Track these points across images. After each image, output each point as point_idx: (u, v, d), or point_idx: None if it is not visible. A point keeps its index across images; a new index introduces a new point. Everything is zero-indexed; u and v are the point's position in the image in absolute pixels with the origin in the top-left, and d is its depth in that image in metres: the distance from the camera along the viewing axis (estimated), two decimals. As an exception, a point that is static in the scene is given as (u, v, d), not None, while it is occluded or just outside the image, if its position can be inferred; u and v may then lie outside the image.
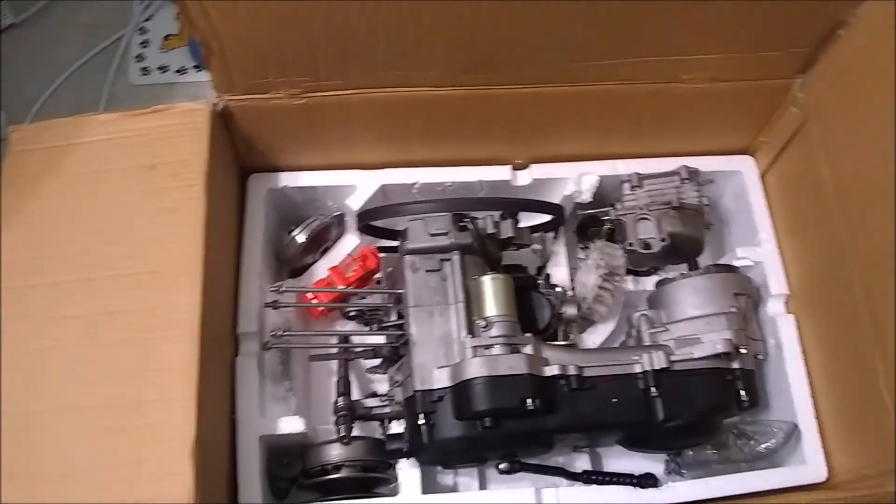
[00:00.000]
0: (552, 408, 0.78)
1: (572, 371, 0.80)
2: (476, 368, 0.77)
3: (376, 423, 0.87)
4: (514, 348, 0.79)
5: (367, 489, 0.86)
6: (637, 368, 0.82)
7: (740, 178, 0.97)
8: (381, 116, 0.85)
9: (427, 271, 0.83)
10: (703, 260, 0.96)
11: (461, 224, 0.83)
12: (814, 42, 0.81)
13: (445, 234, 0.83)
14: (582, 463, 0.90)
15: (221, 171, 0.83)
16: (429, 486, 0.88)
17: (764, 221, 0.95)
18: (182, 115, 0.79)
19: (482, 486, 0.90)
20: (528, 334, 0.80)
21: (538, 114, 0.88)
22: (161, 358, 0.70)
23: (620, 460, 0.91)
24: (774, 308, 0.92)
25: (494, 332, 0.79)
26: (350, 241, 0.95)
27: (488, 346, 0.78)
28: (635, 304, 0.94)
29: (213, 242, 0.76)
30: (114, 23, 1.20)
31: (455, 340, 0.80)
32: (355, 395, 0.89)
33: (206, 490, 0.69)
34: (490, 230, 0.85)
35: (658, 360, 0.81)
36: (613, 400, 0.81)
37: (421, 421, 0.78)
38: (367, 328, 0.91)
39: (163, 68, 1.21)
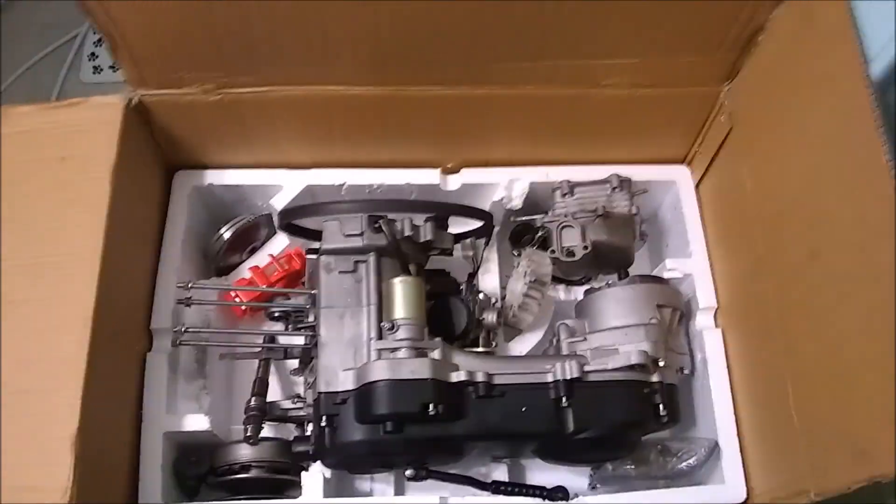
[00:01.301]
0: (458, 414, 0.77)
1: (480, 378, 0.78)
2: (378, 372, 0.75)
3: (293, 426, 0.87)
4: (419, 352, 0.77)
5: (277, 491, 0.85)
6: (549, 378, 0.80)
7: (675, 188, 0.96)
8: (299, 115, 0.85)
9: (341, 272, 0.82)
10: (641, 271, 0.95)
11: (375, 225, 0.82)
12: (735, 48, 0.79)
13: (360, 235, 0.82)
14: (500, 474, 0.88)
15: (138, 166, 0.83)
16: (344, 490, 0.88)
17: (696, 233, 0.93)
18: (96, 109, 0.79)
19: (398, 492, 0.89)
20: (437, 339, 0.79)
21: (460, 116, 0.87)
22: (53, 348, 0.70)
23: (545, 473, 0.89)
24: (702, 322, 0.90)
25: (400, 335, 0.78)
26: (280, 242, 0.95)
27: (394, 350, 0.78)
28: (566, 314, 0.93)
29: (120, 236, 0.76)
30: (70, 22, 1.22)
31: (364, 343, 0.79)
32: (277, 396, 0.89)
33: (94, 482, 0.69)
34: (407, 233, 0.84)
35: (570, 370, 0.79)
36: (522, 409, 0.79)
37: (323, 423, 0.77)
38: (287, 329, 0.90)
39: (114, 67, 1.21)
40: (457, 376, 0.78)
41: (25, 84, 1.16)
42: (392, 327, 0.78)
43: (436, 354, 0.78)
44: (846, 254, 0.64)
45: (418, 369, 0.76)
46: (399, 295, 0.79)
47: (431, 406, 0.74)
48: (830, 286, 0.66)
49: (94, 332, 0.70)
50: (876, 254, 0.59)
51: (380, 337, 0.78)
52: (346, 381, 0.77)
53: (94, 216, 0.74)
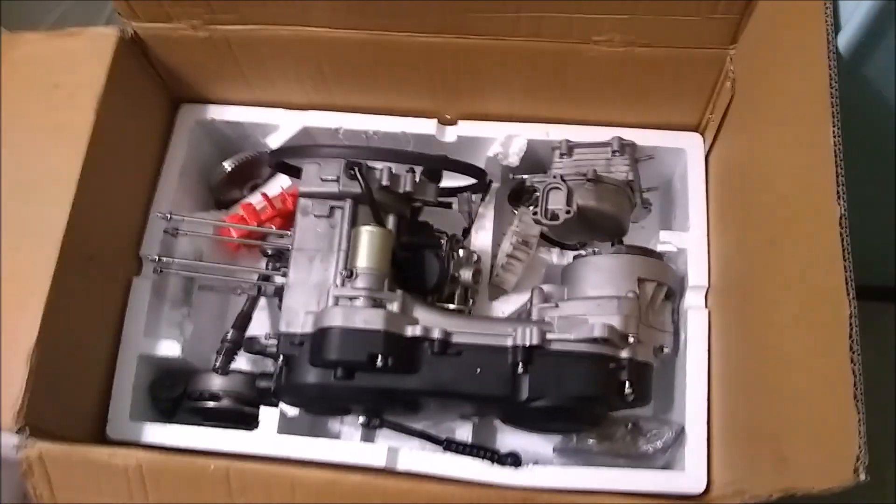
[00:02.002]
0: (410, 368, 0.77)
1: (437, 335, 0.77)
2: (333, 318, 0.76)
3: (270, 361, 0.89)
4: (377, 303, 0.77)
5: (245, 422, 0.87)
6: (508, 342, 0.78)
7: (684, 156, 0.90)
8: (287, 55, 0.85)
9: (316, 216, 0.83)
10: (648, 242, 0.90)
11: (351, 171, 0.82)
12: (735, 9, 0.72)
13: (336, 180, 0.82)
14: (465, 433, 0.87)
15: (133, 97, 0.86)
16: (314, 429, 0.90)
17: (697, 206, 0.87)
18: (91, 39, 0.82)
19: (366, 439, 0.90)
20: (398, 291, 0.79)
21: (450, 66, 0.84)
22: (22, 265, 0.74)
23: (515, 437, 0.88)
24: (691, 300, 0.85)
25: (359, 283, 0.78)
26: (281, 182, 0.96)
27: (353, 298, 0.78)
28: (557, 278, 0.90)
29: (105, 163, 0.80)
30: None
31: (329, 289, 0.80)
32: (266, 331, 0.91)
33: (55, 395, 0.74)
34: (385, 182, 0.83)
35: (531, 337, 0.77)
36: (477, 370, 0.78)
37: (280, 362, 0.79)
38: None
39: None
40: (412, 330, 0.77)
41: (80, 12, 1.21)
42: (352, 275, 0.78)
43: (393, 307, 0.77)
44: (795, 243, 0.58)
45: (371, 319, 0.76)
46: (363, 244, 0.79)
47: (380, 357, 0.74)
48: (779, 275, 0.61)
49: (62, 252, 0.74)
50: (819, 250, 0.54)
51: (341, 284, 0.79)
52: (305, 324, 0.78)
53: (77, 142, 0.77)
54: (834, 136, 0.52)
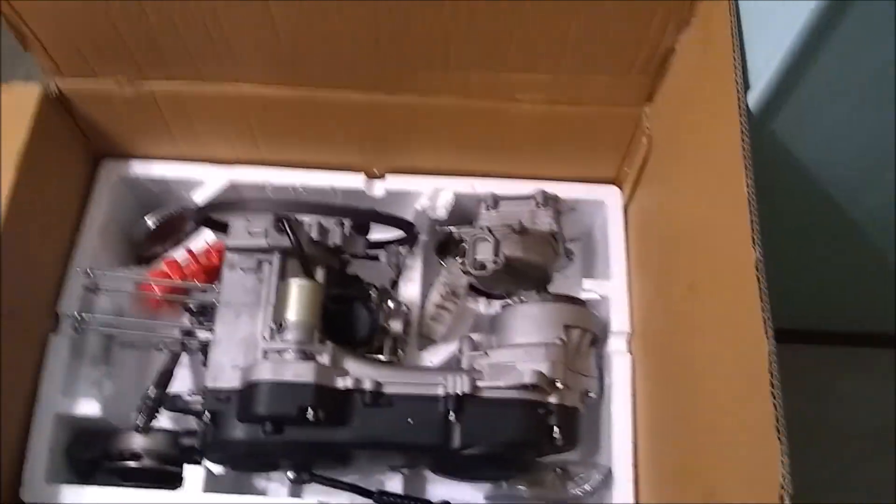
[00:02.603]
0: (342, 421, 0.76)
1: (368, 386, 0.77)
2: (262, 372, 0.75)
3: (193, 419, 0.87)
4: (307, 355, 0.77)
5: (169, 482, 0.85)
6: (440, 391, 0.79)
7: (603, 208, 0.94)
8: (214, 111, 0.85)
9: (243, 270, 0.82)
10: (570, 291, 0.93)
11: (279, 225, 0.82)
12: (648, 70, 0.77)
13: (264, 234, 0.82)
14: (395, 485, 0.87)
15: (56, 153, 0.85)
16: (239, 487, 0.88)
17: (617, 255, 0.91)
18: (11, 97, 0.80)
19: (294, 494, 0.88)
20: (328, 343, 0.79)
21: (380, 122, 0.87)
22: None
23: (446, 487, 0.88)
24: (614, 346, 0.87)
25: (288, 336, 0.78)
26: (206, 237, 0.95)
27: (282, 351, 0.77)
28: (485, 328, 0.91)
29: (26, 219, 0.78)
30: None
31: (256, 343, 0.79)
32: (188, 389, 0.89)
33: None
34: (314, 236, 0.83)
35: (461, 385, 0.78)
36: (409, 420, 0.78)
37: (206, 419, 0.77)
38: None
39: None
40: (343, 382, 0.77)
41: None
42: (281, 328, 0.78)
43: (324, 359, 0.77)
44: (714, 287, 0.62)
45: (301, 372, 0.75)
46: (293, 297, 0.79)
47: (311, 411, 0.74)
48: (699, 319, 0.64)
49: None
50: (737, 293, 0.57)
51: (270, 337, 0.78)
52: (232, 379, 0.77)
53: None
54: (747, 187, 0.56)
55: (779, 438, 0.48)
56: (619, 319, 0.88)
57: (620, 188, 0.94)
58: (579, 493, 0.84)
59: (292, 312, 0.78)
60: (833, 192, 0.77)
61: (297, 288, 0.79)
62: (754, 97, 0.61)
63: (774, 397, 0.49)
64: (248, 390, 0.75)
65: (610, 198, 0.94)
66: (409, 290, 0.94)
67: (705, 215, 0.65)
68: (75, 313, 0.83)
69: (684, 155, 0.73)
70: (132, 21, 0.73)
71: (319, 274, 0.84)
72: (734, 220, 0.57)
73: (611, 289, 0.89)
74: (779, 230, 0.60)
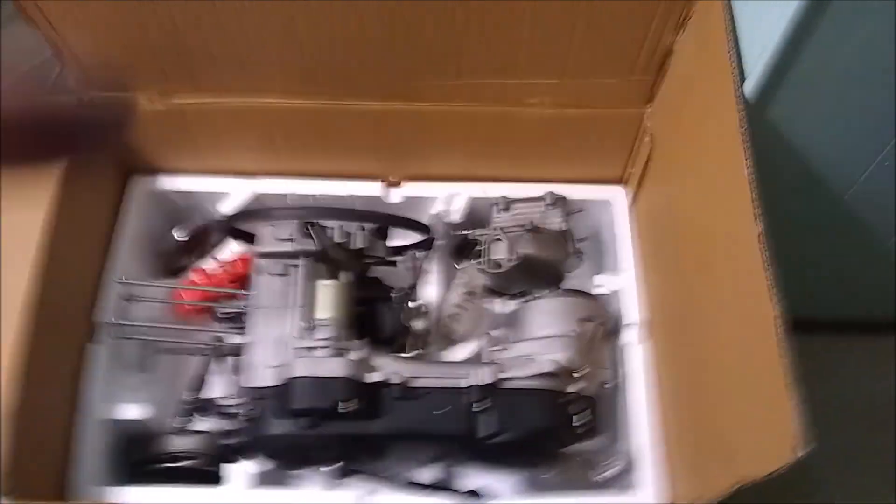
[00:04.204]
0: (374, 414, 0.80)
1: (397, 380, 0.81)
2: (296, 369, 0.79)
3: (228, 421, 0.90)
4: (338, 352, 0.81)
5: (210, 481, 0.88)
6: (464, 383, 0.83)
7: (610, 207, 0.98)
8: (240, 125, 0.90)
9: (271, 275, 0.87)
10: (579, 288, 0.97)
11: (305, 231, 0.86)
12: (649, 71, 0.82)
13: (291, 239, 0.86)
14: (430, 476, 0.90)
15: (91, 169, 0.89)
16: (276, 484, 0.91)
17: (626, 251, 0.95)
18: (49, 112, 0.85)
19: (331, 489, 0.91)
20: (357, 341, 0.83)
21: (397, 131, 0.91)
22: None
23: (478, 481, 0.91)
24: (627, 337, 0.92)
25: (320, 334, 0.82)
26: (232, 248, 1.00)
27: (314, 349, 0.81)
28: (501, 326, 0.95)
29: (67, 234, 0.82)
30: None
31: (288, 342, 0.83)
32: (221, 393, 0.93)
33: (28, 462, 0.74)
34: (338, 240, 0.88)
35: (485, 376, 0.82)
36: (436, 412, 0.82)
37: (245, 417, 0.80)
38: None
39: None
40: (373, 377, 0.81)
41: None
42: (312, 327, 0.82)
43: (354, 355, 0.81)
44: (722, 264, 0.66)
45: (334, 368, 0.79)
46: (322, 297, 0.83)
47: (345, 404, 0.78)
48: (711, 295, 0.68)
49: (26, 318, 0.75)
50: (743, 266, 0.61)
51: (302, 336, 0.82)
52: (267, 378, 0.81)
53: (41, 214, 0.80)
54: (747, 168, 0.60)
55: (790, 393, 0.52)
56: (632, 311, 0.92)
57: (626, 187, 0.99)
58: (602, 479, 0.87)
59: (322, 311, 0.83)
60: (830, 176, 0.82)
61: (324, 288, 0.83)
62: (750, 86, 0.66)
63: (782, 356, 0.53)
64: (284, 387, 0.79)
65: (616, 197, 0.99)
66: (427, 292, 0.98)
67: (710, 200, 0.70)
68: (111, 321, 0.87)
69: (686, 148, 0.77)
70: (166, 35, 0.77)
71: (344, 276, 0.88)
72: (737, 199, 0.61)
73: (621, 282, 0.94)
74: (779, 217, 0.65)
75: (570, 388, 0.84)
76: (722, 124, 0.65)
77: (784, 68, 0.65)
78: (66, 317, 0.84)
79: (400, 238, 0.95)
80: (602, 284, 0.94)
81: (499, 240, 0.92)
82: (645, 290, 0.92)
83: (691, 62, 0.76)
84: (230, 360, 0.94)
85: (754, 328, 0.58)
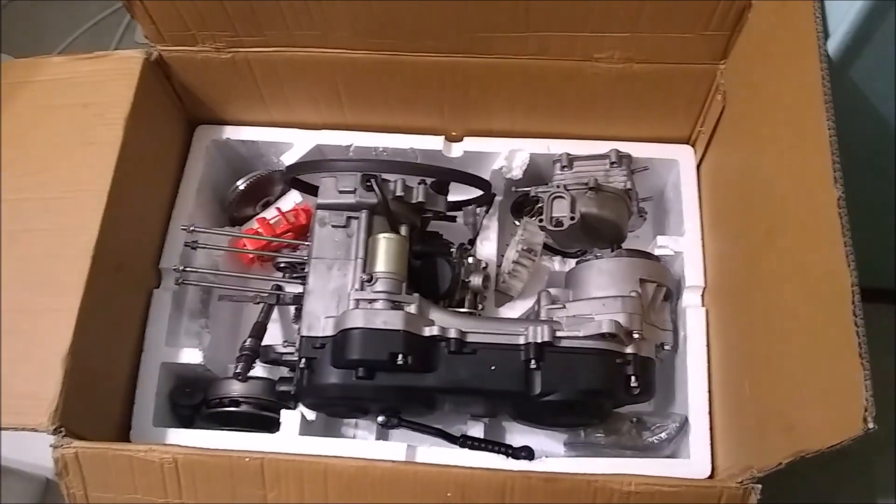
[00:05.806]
0: (428, 367, 0.81)
1: (453, 334, 0.81)
2: (354, 319, 0.80)
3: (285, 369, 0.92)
4: (395, 305, 0.81)
5: (265, 426, 0.90)
6: (521, 340, 0.82)
7: (677, 167, 0.96)
8: (304, 77, 0.90)
9: (333, 226, 0.87)
10: (643, 248, 0.96)
11: (367, 184, 0.86)
12: (725, 26, 0.79)
13: (353, 192, 0.86)
14: (477, 433, 0.91)
15: (157, 117, 0.91)
16: (329, 432, 0.93)
17: (691, 213, 0.93)
18: (118, 62, 0.87)
19: (382, 438, 0.93)
20: (415, 294, 0.83)
21: (460, 85, 0.90)
22: (55, 274, 0.77)
23: (524, 436, 0.92)
24: (688, 300, 0.90)
25: (378, 287, 0.82)
26: (293, 198, 1.01)
27: (372, 301, 0.82)
28: (560, 285, 0.94)
29: (131, 178, 0.84)
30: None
31: (347, 293, 0.84)
32: (279, 341, 0.94)
33: (85, 398, 0.76)
34: (399, 193, 0.87)
35: (542, 334, 0.81)
36: (492, 368, 0.82)
37: (302, 365, 0.82)
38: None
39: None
40: (430, 331, 0.81)
41: (85, 42, 1.26)
42: (371, 279, 0.82)
43: (411, 309, 0.82)
44: (794, 232, 0.64)
45: (391, 320, 0.80)
46: (381, 250, 0.83)
47: (401, 356, 0.78)
48: (779, 260, 0.66)
49: (94, 262, 0.77)
50: (819, 231, 0.59)
51: (360, 288, 0.83)
52: (326, 327, 0.82)
53: (106, 157, 0.81)
54: (828, 129, 0.57)
55: (862, 364, 0.50)
56: (694, 274, 0.90)
57: (694, 147, 0.96)
58: (655, 441, 0.87)
59: (381, 264, 0.83)
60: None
61: (385, 241, 0.84)
62: (834, 44, 0.63)
63: (857, 326, 0.51)
64: (342, 337, 0.80)
65: (683, 157, 0.96)
66: (486, 249, 0.98)
67: (784, 161, 0.67)
68: (177, 267, 0.89)
69: (762, 109, 0.74)
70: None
71: (403, 230, 0.88)
72: (815, 162, 0.59)
73: (685, 244, 0.92)
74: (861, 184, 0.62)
75: (628, 349, 0.83)
76: (802, 83, 0.62)
77: (871, 28, 0.61)
78: (131, 262, 0.86)
79: (460, 193, 0.95)
80: (665, 246, 0.92)
81: (560, 197, 0.91)
82: (708, 253, 0.90)
83: (771, 17, 0.72)
84: (290, 309, 0.96)
85: (827, 297, 0.56)
